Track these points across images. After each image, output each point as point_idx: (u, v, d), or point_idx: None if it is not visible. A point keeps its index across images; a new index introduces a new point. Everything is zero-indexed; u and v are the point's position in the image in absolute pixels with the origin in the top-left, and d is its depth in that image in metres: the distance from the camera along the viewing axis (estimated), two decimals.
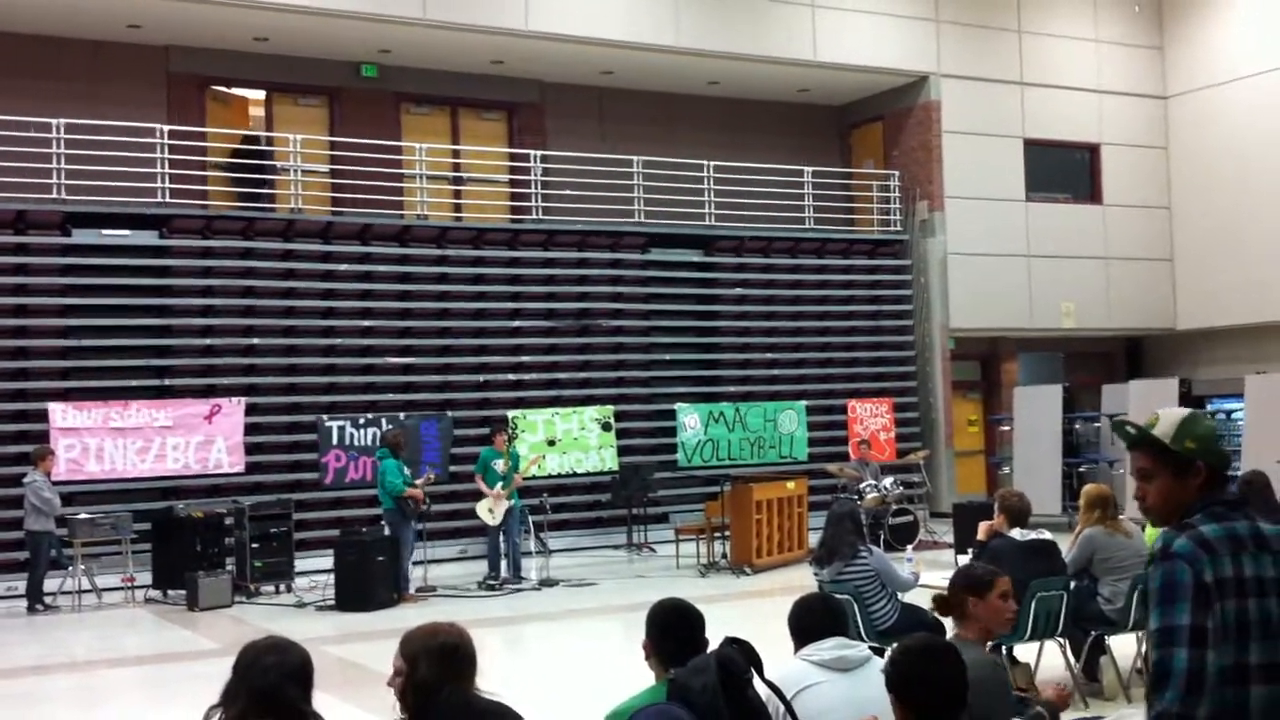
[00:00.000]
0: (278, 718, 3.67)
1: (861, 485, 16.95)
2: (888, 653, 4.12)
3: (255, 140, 18.93)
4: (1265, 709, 3.11)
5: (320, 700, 3.87)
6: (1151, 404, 18.64)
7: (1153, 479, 3.44)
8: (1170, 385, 19.28)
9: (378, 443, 15.94)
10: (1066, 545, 8.72)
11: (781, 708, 4.32)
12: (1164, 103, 23.81)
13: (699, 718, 3.98)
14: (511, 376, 18.55)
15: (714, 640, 4.35)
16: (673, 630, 4.57)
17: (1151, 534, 8.64)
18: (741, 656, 4.12)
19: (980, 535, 8.63)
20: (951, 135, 21.75)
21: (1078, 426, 19.72)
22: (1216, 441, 3.44)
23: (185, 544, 14.63)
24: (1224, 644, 3.13)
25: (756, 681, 4.17)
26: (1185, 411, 3.54)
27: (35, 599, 14.12)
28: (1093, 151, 23.41)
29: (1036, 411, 19.75)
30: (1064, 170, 23.26)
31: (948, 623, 8.14)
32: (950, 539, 15.93)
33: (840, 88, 22.23)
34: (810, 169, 21.38)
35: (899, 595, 8.46)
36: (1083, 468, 19.41)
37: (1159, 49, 23.88)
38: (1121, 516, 8.68)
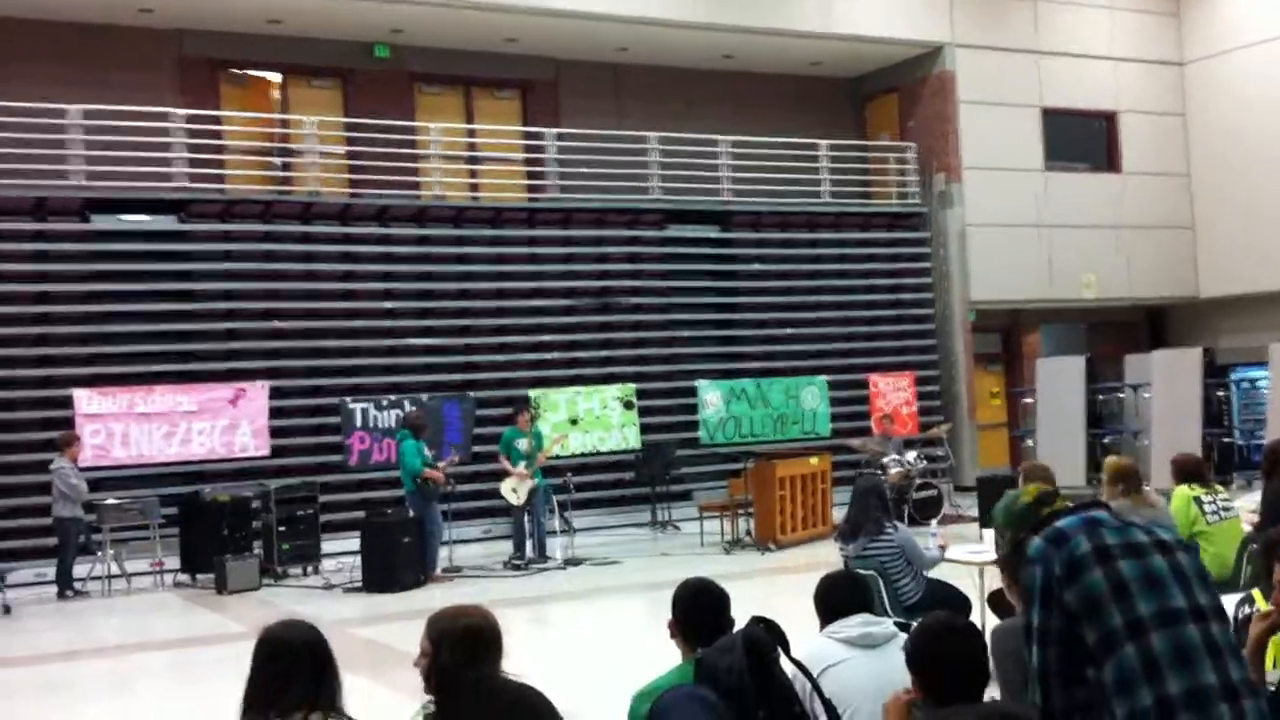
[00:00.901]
0: (308, 696, 3.70)
1: (885, 460, 16.94)
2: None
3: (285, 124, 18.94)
4: (1172, 652, 3.11)
5: (349, 681, 3.92)
6: (1175, 374, 18.59)
7: None
8: (1194, 354, 19.20)
9: (399, 424, 16.01)
10: None
11: (808, 686, 4.33)
12: (1180, 69, 23.63)
13: (726, 697, 4.00)
14: (532, 356, 18.57)
15: (740, 618, 4.36)
16: (698, 609, 4.59)
17: (1178, 505, 8.62)
18: (768, 636, 4.13)
19: None
20: (968, 105, 21.64)
21: (1101, 398, 19.64)
22: (1010, 506, 3.67)
23: (212, 528, 14.73)
24: (1108, 607, 3.19)
25: (783, 660, 4.18)
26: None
27: (65, 585, 14.24)
28: (1110, 119, 23.26)
29: (1059, 383, 19.70)
30: (1082, 139, 23.11)
31: (974, 598, 8.17)
32: (974, 512, 15.92)
33: (854, 60, 22.12)
34: (826, 143, 21.30)
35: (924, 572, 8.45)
36: (1107, 439, 19.37)
37: (1174, 15, 23.69)
38: (1146, 488, 8.64)
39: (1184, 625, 3.14)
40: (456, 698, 3.86)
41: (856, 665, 4.74)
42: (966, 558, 8.56)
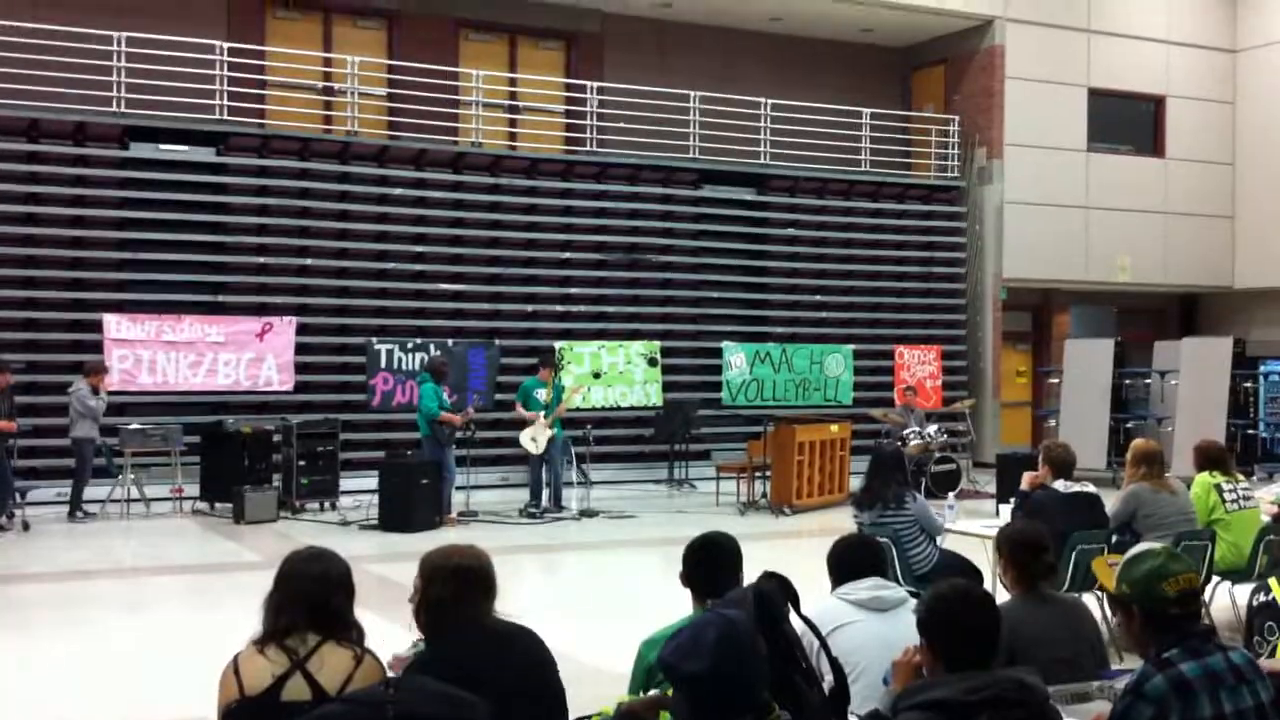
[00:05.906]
0: (325, 625, 3.74)
1: (905, 432, 16.91)
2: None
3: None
4: None
5: (361, 616, 3.94)
6: (1204, 362, 18.42)
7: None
8: (1224, 344, 19.02)
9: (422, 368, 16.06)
10: (1111, 502, 8.62)
11: (816, 644, 4.33)
12: (1233, 56, 23.31)
13: (734, 650, 4.00)
14: (560, 308, 18.59)
15: (750, 578, 4.36)
16: (710, 561, 4.60)
17: (1198, 492, 8.57)
18: (779, 591, 4.13)
19: (1024, 485, 8.59)
20: (1015, 81, 21.42)
21: (1127, 382, 19.51)
22: (1155, 582, 3.50)
23: (233, 458, 14.82)
24: None
25: (792, 617, 4.18)
26: (1132, 552, 3.66)
27: (75, 506, 14.27)
28: (1158, 103, 23.00)
29: (1087, 365, 19.56)
30: (1127, 121, 22.87)
31: (986, 572, 8.15)
32: (992, 489, 15.88)
33: (904, 28, 21.91)
34: (869, 111, 21.13)
35: (937, 541, 8.43)
36: (1130, 424, 19.25)
37: (1230, 1, 23.35)
38: (1168, 474, 8.59)
39: None
40: (446, 634, 3.91)
41: (866, 627, 4.74)
42: (981, 530, 8.55)
